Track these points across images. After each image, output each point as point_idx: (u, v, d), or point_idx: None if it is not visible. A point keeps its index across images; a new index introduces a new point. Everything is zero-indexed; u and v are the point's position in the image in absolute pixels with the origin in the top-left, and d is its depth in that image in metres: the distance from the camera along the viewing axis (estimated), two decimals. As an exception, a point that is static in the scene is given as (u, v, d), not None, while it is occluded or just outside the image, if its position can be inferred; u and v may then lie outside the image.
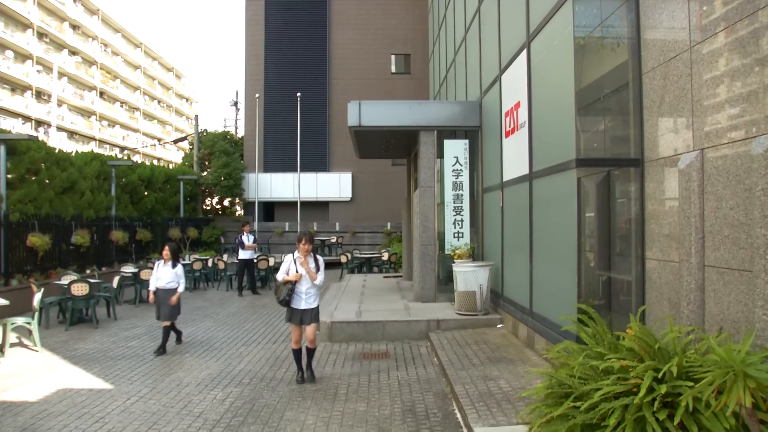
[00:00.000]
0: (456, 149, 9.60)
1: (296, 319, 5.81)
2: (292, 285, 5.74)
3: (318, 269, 5.82)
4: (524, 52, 6.88)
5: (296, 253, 5.83)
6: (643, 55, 4.94)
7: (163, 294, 7.39)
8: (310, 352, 5.96)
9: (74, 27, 42.37)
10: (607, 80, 5.70)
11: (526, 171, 6.82)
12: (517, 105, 7.21)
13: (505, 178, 7.85)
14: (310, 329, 5.85)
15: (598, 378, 3.54)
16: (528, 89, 6.76)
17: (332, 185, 26.05)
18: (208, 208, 27.09)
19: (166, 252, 7.54)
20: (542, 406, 3.77)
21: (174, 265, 7.50)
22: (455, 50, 12.77)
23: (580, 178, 5.36)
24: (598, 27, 5.55)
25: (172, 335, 7.72)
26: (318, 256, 5.94)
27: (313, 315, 5.85)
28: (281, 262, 6.10)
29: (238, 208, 28.55)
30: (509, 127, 7.64)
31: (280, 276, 5.83)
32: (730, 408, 2.37)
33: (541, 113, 6.42)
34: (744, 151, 3.63)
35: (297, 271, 5.76)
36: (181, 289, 7.47)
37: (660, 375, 3.17)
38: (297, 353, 5.94)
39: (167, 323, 7.40)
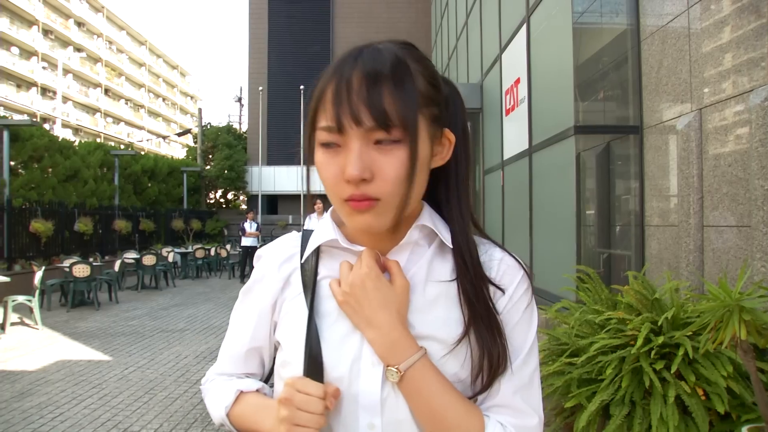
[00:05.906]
0: (457, 132, 9.57)
1: None
2: None
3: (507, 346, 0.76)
4: (524, 27, 6.84)
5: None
6: (642, 21, 4.90)
7: None
8: None
9: (79, 24, 42.61)
10: (606, 49, 5.66)
11: (525, 146, 6.78)
12: (517, 81, 7.17)
13: (506, 157, 7.81)
14: None
15: (595, 333, 3.52)
16: (528, 64, 6.72)
17: (335, 178, 26.01)
18: (212, 201, 27.15)
19: None
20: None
21: None
22: (457, 37, 12.74)
23: (580, 153, 5.32)
24: (598, -5, 5.51)
25: None
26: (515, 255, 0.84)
27: None
28: None
29: (242, 203, 28.61)
30: (509, 105, 7.61)
31: (216, 390, 0.87)
32: (725, 343, 2.34)
33: (541, 86, 6.39)
34: (742, 105, 3.59)
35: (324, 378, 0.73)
36: None
37: (657, 326, 3.15)
38: None
39: None
